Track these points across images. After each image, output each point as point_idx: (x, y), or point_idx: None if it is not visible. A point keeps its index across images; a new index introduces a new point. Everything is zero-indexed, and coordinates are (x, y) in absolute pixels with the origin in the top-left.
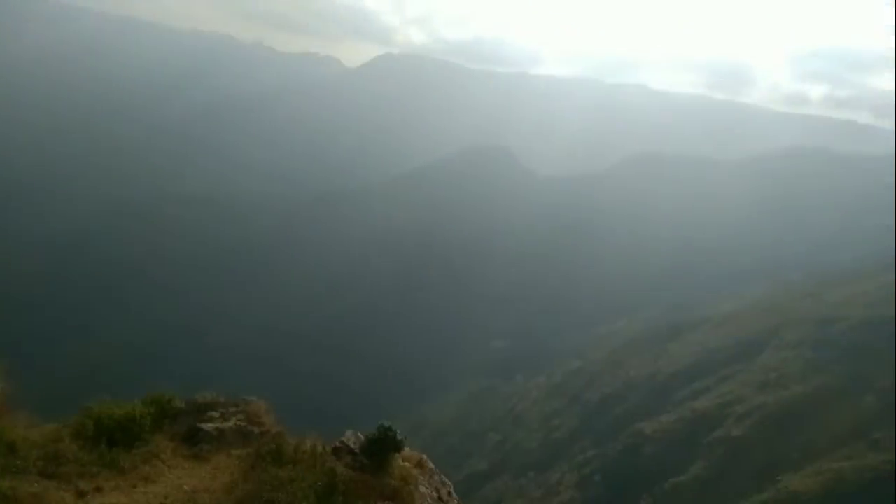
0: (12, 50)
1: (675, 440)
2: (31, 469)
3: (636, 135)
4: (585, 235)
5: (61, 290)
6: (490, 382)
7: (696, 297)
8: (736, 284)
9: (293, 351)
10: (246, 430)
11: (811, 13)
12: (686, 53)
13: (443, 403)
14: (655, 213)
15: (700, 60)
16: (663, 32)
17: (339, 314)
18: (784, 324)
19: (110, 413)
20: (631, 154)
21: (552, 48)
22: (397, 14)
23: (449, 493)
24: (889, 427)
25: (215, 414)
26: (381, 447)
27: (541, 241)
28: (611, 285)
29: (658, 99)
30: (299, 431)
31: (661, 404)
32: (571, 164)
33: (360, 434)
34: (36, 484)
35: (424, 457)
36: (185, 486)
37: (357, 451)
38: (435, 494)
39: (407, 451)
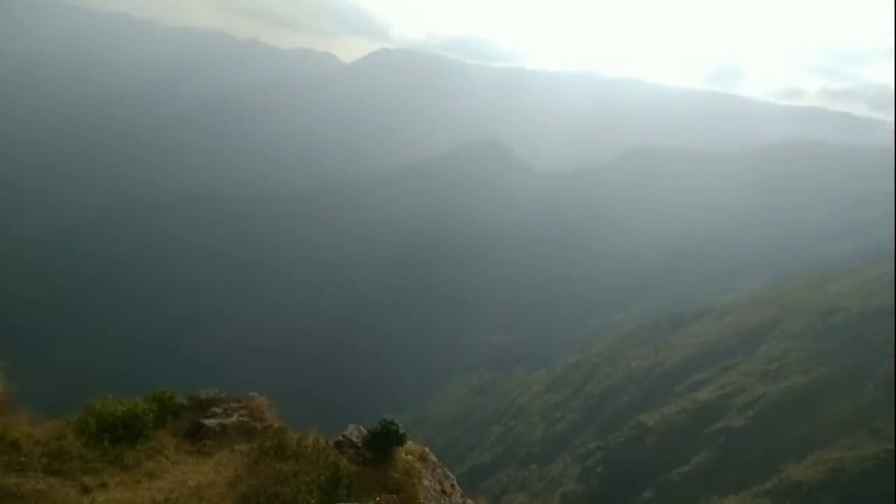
0: (5, 48)
1: (676, 431)
2: (36, 466)
3: (633, 129)
4: (584, 229)
5: (61, 287)
6: (491, 376)
7: (696, 290)
8: (735, 277)
9: (294, 346)
10: (248, 426)
11: (807, 6)
12: (683, 47)
13: (444, 397)
14: (654, 207)
15: (697, 54)
16: (660, 26)
17: (337, 309)
18: (784, 315)
19: (113, 410)
20: (628, 148)
21: (548, 43)
22: (393, 10)
23: (452, 486)
24: (890, 416)
25: (218, 410)
26: (384, 441)
27: (539, 234)
28: (610, 278)
29: (655, 92)
30: (302, 426)
31: (662, 396)
32: (569, 158)
33: (362, 428)
34: (41, 481)
35: (427, 450)
36: (189, 482)
37: (360, 445)
38: (438, 487)
39: (409, 444)
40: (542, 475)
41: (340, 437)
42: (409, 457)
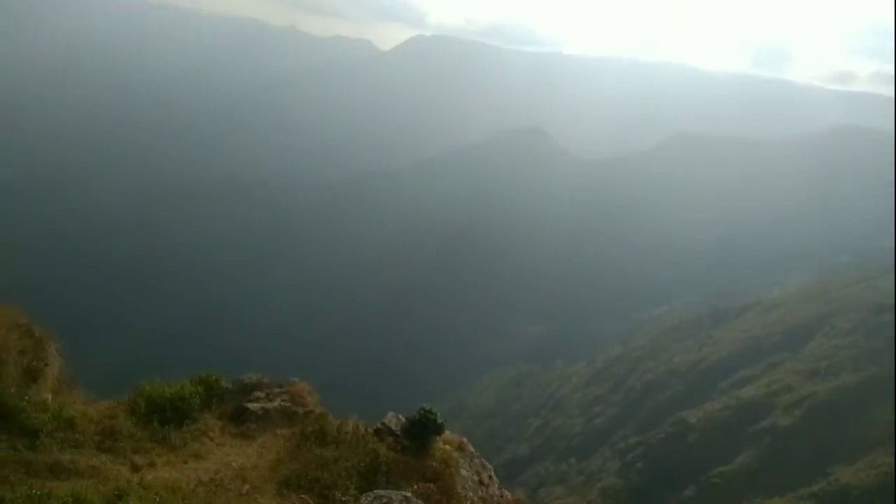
0: (45, 36)
1: (720, 429)
2: (89, 443)
3: (675, 115)
4: (624, 218)
5: (98, 274)
6: (529, 368)
7: (741, 283)
8: (782, 269)
9: (328, 335)
10: (290, 411)
11: None
12: (727, 30)
13: (482, 388)
14: (696, 196)
15: (741, 37)
16: (703, 8)
17: (374, 296)
18: (834, 311)
19: (161, 392)
20: (670, 134)
21: (587, 28)
22: None
23: (490, 477)
24: None
25: (260, 394)
26: (423, 430)
27: (577, 223)
28: (650, 270)
29: (697, 77)
30: (341, 413)
31: (705, 392)
32: (608, 145)
33: (401, 416)
34: (93, 458)
35: (465, 440)
36: (233, 464)
37: (398, 432)
38: (476, 478)
39: (447, 434)
40: (581, 469)
41: (379, 425)
42: (447, 446)
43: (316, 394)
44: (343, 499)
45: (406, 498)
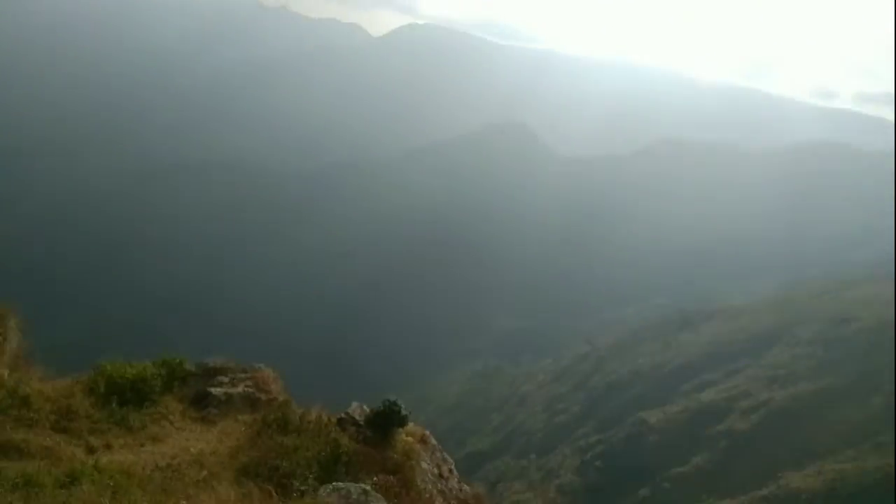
0: (25, 11)
1: (678, 431)
2: (44, 423)
3: (661, 120)
4: (602, 218)
5: (84, 248)
6: (497, 362)
7: (711, 288)
8: (752, 277)
9: (300, 325)
10: (253, 397)
11: (845, 5)
12: (718, 40)
13: (449, 380)
14: (677, 200)
15: (732, 48)
16: (696, 17)
17: (350, 287)
18: (797, 321)
19: (122, 372)
20: (655, 139)
21: (580, 28)
22: None
23: (450, 471)
24: (892, 429)
25: (224, 379)
26: (386, 421)
27: (559, 220)
28: (624, 270)
29: (686, 85)
30: (305, 401)
31: (667, 394)
32: (594, 145)
33: (365, 407)
34: (48, 438)
35: (427, 432)
36: (191, 449)
37: (362, 423)
38: (436, 470)
39: (411, 426)
40: (541, 465)
41: (343, 414)
42: (410, 438)
43: (281, 381)
44: (301, 488)
45: (365, 491)
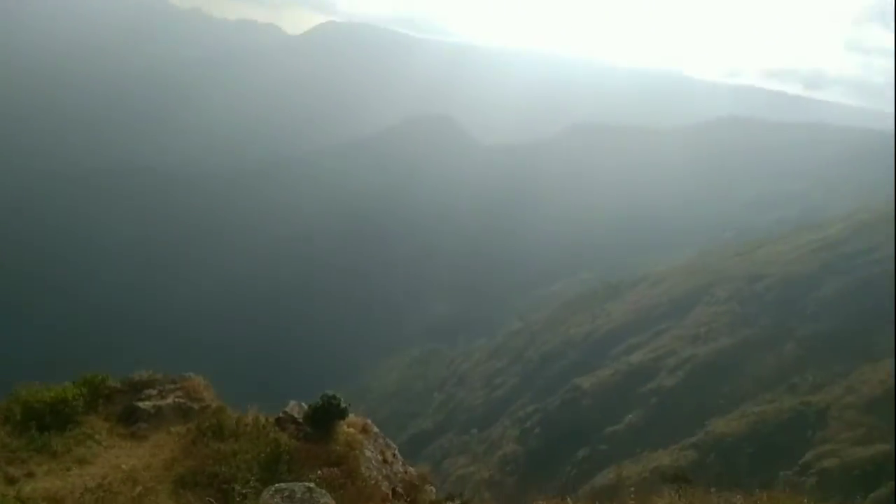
0: None
1: (611, 392)
2: None
3: (580, 105)
4: (528, 202)
5: None
6: (435, 346)
7: (635, 260)
8: (673, 246)
9: (232, 325)
10: (185, 407)
11: None
12: (634, 27)
13: (388, 368)
14: (596, 181)
15: (647, 34)
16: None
17: (281, 285)
18: (714, 281)
19: (40, 396)
20: (574, 123)
21: (497, 20)
22: None
23: (394, 455)
24: (804, 371)
25: (152, 392)
26: (326, 415)
27: (482, 207)
28: (551, 249)
29: (603, 71)
30: (241, 405)
31: (598, 360)
32: (516, 133)
33: (303, 404)
34: None
35: (369, 421)
36: (123, 466)
37: (301, 420)
38: (380, 457)
39: (351, 417)
40: (483, 439)
41: (281, 414)
42: (351, 429)
43: (212, 388)
44: (243, 492)
45: (309, 489)
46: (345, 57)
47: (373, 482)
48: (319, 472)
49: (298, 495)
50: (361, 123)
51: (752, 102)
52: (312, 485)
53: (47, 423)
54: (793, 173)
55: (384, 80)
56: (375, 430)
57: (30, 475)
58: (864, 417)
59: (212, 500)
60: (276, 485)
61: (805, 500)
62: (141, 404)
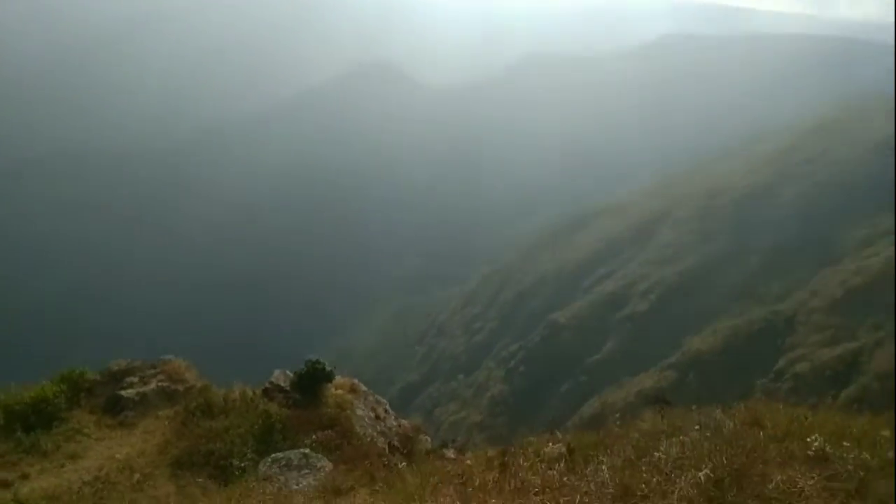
0: None
1: (587, 324)
2: None
3: (520, 38)
4: (483, 142)
5: None
6: (410, 300)
7: (596, 190)
8: (630, 173)
9: (198, 302)
10: (170, 390)
11: None
12: None
13: (368, 327)
14: (548, 114)
15: None
16: None
17: (242, 255)
18: (674, 203)
19: (19, 398)
20: (517, 56)
21: None
22: None
23: (385, 411)
24: (769, 281)
25: (134, 379)
26: (312, 381)
27: (438, 153)
28: (513, 188)
29: (539, 2)
30: (225, 381)
31: (571, 293)
32: (462, 72)
33: (288, 372)
34: None
35: (356, 381)
36: (116, 455)
37: (288, 388)
38: (372, 414)
39: (338, 379)
40: (470, 384)
41: (268, 385)
42: (340, 391)
43: (194, 368)
44: (241, 465)
45: (304, 454)
46: (275, 10)
47: (368, 439)
48: (314, 436)
49: (295, 462)
50: (302, 78)
51: (689, 18)
52: (307, 450)
53: (32, 423)
54: (734, 85)
55: (319, 30)
56: (364, 388)
57: (24, 477)
58: (829, 319)
59: (206, 478)
60: (273, 455)
61: (781, 407)
62: (124, 393)
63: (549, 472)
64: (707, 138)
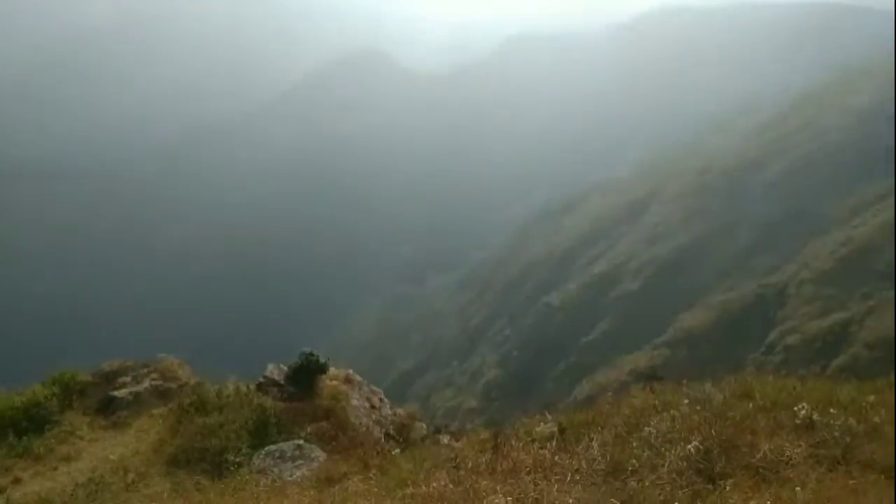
0: None
1: (580, 305)
2: None
3: (509, 18)
4: (472, 127)
5: None
6: (404, 288)
7: (585, 172)
8: (621, 152)
9: (198, 296)
10: (163, 388)
11: None
12: None
13: (363, 316)
14: (537, 96)
15: None
16: None
17: (236, 248)
18: (663, 180)
19: (10, 403)
20: (506, 37)
21: None
22: None
23: (381, 400)
24: (759, 255)
25: (126, 379)
26: (307, 373)
27: (429, 139)
28: (501, 174)
29: None
30: (221, 377)
31: (563, 275)
32: (449, 56)
33: (282, 366)
34: None
35: (351, 371)
36: (111, 456)
37: (283, 382)
38: (367, 404)
39: (333, 370)
40: (464, 370)
41: (262, 379)
42: (334, 382)
43: (187, 365)
44: (237, 460)
45: (298, 446)
46: (249, 8)
47: (363, 429)
48: (309, 428)
49: (289, 453)
50: (284, 75)
51: None
52: (301, 441)
53: (24, 427)
54: (724, 56)
55: (303, 22)
56: (359, 378)
57: (16, 481)
58: (819, 290)
59: (202, 474)
60: (266, 447)
61: (770, 378)
62: (117, 393)
63: (541, 452)
64: (697, 112)
